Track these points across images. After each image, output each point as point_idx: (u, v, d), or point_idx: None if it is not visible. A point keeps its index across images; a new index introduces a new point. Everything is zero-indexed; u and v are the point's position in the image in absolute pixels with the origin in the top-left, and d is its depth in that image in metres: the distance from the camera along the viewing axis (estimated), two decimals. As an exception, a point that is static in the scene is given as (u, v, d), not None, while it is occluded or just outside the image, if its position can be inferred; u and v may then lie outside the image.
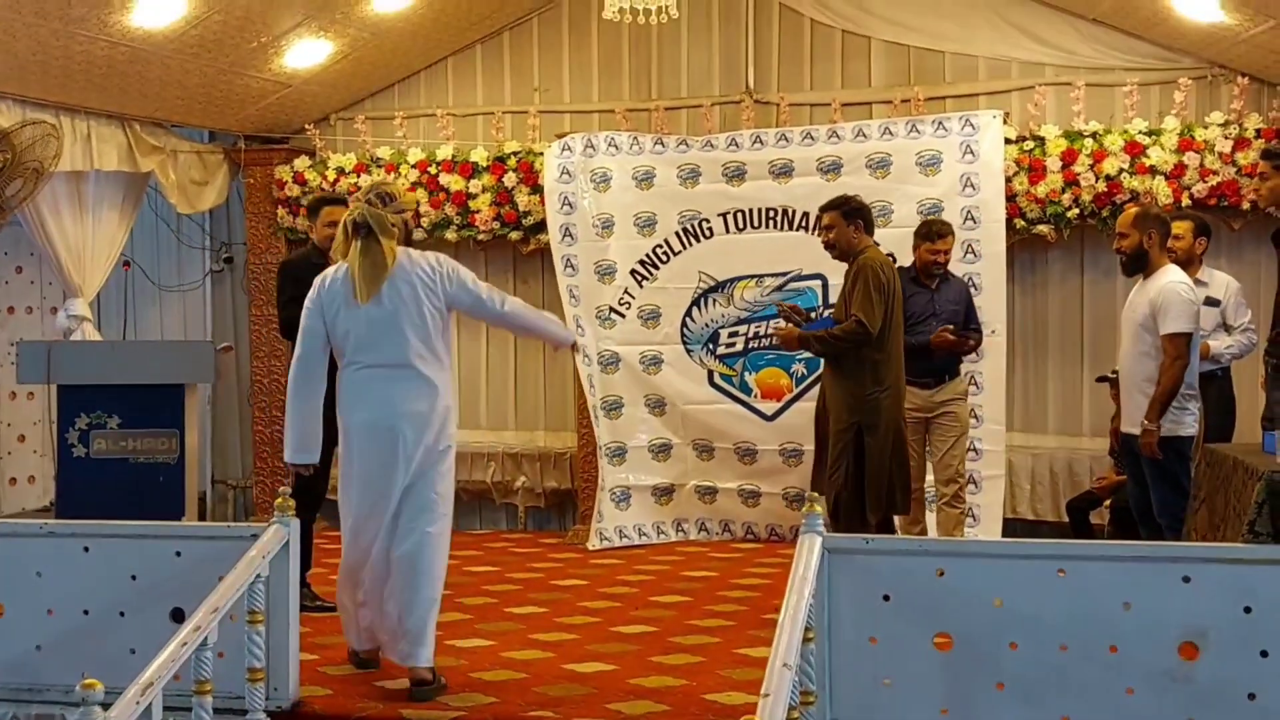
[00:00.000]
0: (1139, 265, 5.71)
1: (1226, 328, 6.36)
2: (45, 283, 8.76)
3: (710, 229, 7.76)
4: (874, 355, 5.77)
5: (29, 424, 8.74)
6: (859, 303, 5.73)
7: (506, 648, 5.40)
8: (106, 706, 3.60)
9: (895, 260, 6.49)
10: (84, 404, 5.40)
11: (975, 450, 7.11)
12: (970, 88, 7.80)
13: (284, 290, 5.96)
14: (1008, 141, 7.40)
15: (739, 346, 7.80)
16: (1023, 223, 7.45)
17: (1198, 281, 6.31)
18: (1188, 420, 5.57)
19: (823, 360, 6.17)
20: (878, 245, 6.01)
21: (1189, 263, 6.31)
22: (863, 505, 5.76)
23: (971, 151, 7.34)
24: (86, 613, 4.72)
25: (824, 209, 6.06)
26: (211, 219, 9.04)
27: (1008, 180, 7.36)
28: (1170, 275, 5.61)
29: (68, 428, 5.42)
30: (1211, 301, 6.34)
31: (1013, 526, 7.51)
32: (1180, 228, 6.35)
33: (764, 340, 7.74)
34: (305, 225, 7.59)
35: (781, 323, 6.31)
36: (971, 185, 7.31)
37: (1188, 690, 3.87)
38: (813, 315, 6.49)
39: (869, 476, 5.75)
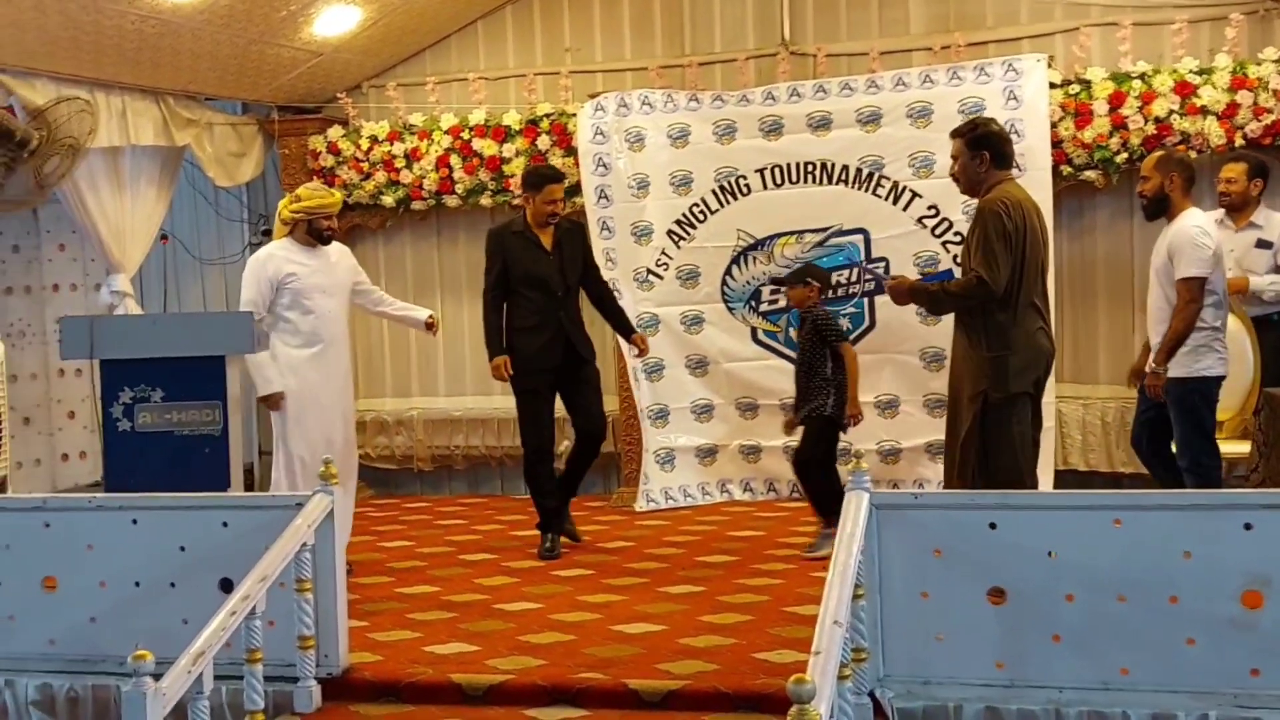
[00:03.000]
0: (1160, 209, 5.71)
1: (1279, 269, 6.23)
2: (88, 260, 8.80)
3: (748, 186, 7.66)
4: (998, 313, 5.06)
5: (78, 400, 8.82)
6: (978, 254, 5.03)
7: (554, 610, 5.38)
8: (159, 677, 3.62)
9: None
10: (127, 378, 5.38)
11: None
12: (1013, 31, 7.63)
13: (488, 259, 6.65)
14: (1052, 86, 7.24)
15: (782, 303, 7.70)
16: (1069, 169, 7.30)
17: (1251, 224, 6.19)
18: (1210, 361, 5.56)
19: (951, 319, 5.41)
20: (1014, 180, 5.30)
21: (1244, 206, 6.20)
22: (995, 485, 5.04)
23: (1015, 97, 7.19)
24: (137, 584, 4.75)
25: (951, 135, 5.38)
26: (249, 191, 9.04)
27: (1053, 126, 7.20)
28: (1189, 219, 5.60)
29: (112, 402, 5.41)
30: (1264, 244, 6.21)
31: (1064, 478, 7.41)
32: (1234, 170, 6.23)
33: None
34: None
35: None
36: (1016, 132, 7.12)
37: (1251, 639, 3.79)
38: (927, 270, 6.37)
39: (997, 459, 5.08)
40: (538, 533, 6.64)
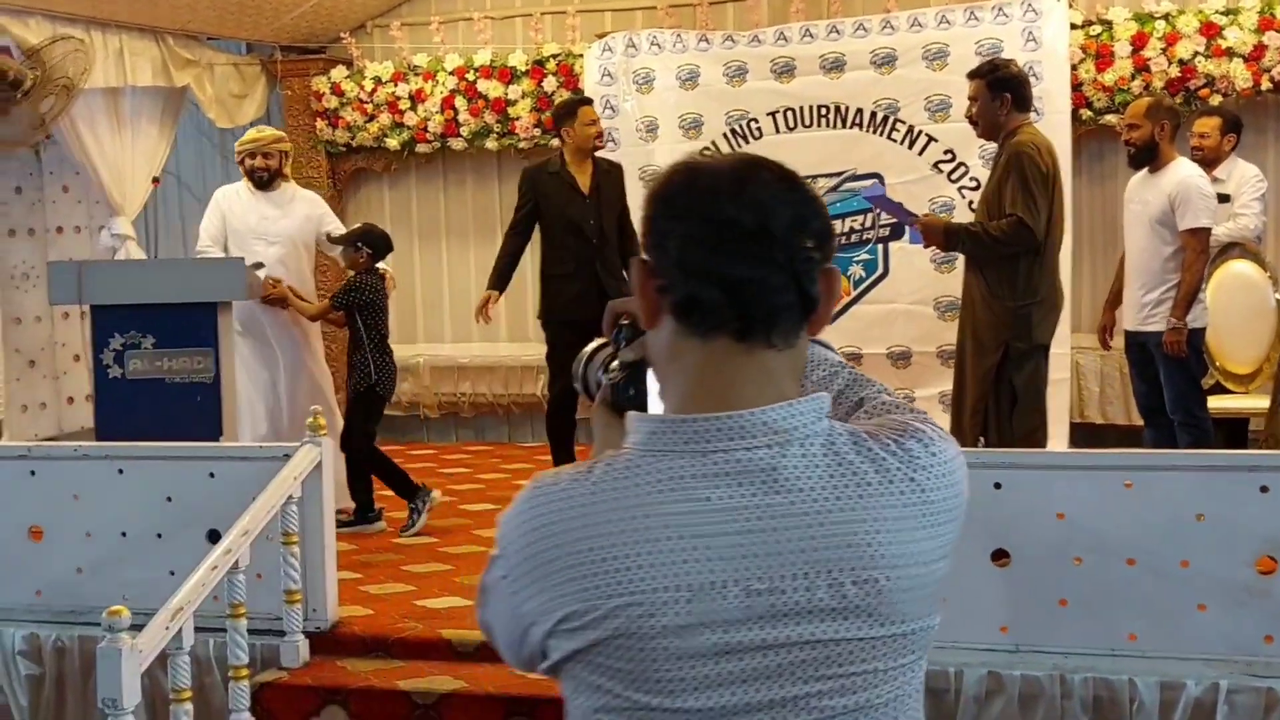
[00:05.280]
0: (1148, 157, 5.55)
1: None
2: (92, 201, 8.68)
3: (760, 129, 7.46)
4: (1027, 260, 4.89)
5: (82, 344, 8.73)
6: (1017, 199, 4.82)
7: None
8: (141, 628, 3.53)
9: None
10: (118, 324, 5.27)
11: None
12: (1035, -29, 7.37)
13: (519, 197, 6.27)
14: (1073, 27, 7.00)
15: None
16: (1089, 113, 7.08)
17: (1215, 179, 6.10)
18: (1197, 312, 5.44)
19: (963, 264, 5.26)
20: (1033, 124, 5.15)
21: (1215, 161, 6.13)
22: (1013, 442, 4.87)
23: (1034, 39, 6.96)
24: (124, 535, 4.66)
25: (969, 76, 5.20)
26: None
27: (1073, 68, 6.97)
28: (1185, 169, 5.49)
29: (103, 348, 5.30)
30: (1223, 198, 6.10)
31: (1079, 431, 7.25)
32: (1207, 125, 6.15)
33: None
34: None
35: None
36: (1034, 74, 6.87)
37: (1265, 605, 3.66)
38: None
39: (1019, 410, 4.91)
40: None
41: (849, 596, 1.29)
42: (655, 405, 1.45)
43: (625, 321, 1.59)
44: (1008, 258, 4.93)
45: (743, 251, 1.32)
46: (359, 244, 5.90)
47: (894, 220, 7.02)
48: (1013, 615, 3.87)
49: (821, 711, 1.30)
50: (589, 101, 6.39)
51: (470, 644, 4.33)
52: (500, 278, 6.35)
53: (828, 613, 1.29)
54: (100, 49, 7.22)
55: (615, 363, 1.55)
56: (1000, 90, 5.04)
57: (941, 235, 5.20)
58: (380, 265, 6.00)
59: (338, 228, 6.20)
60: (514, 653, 1.41)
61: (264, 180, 6.00)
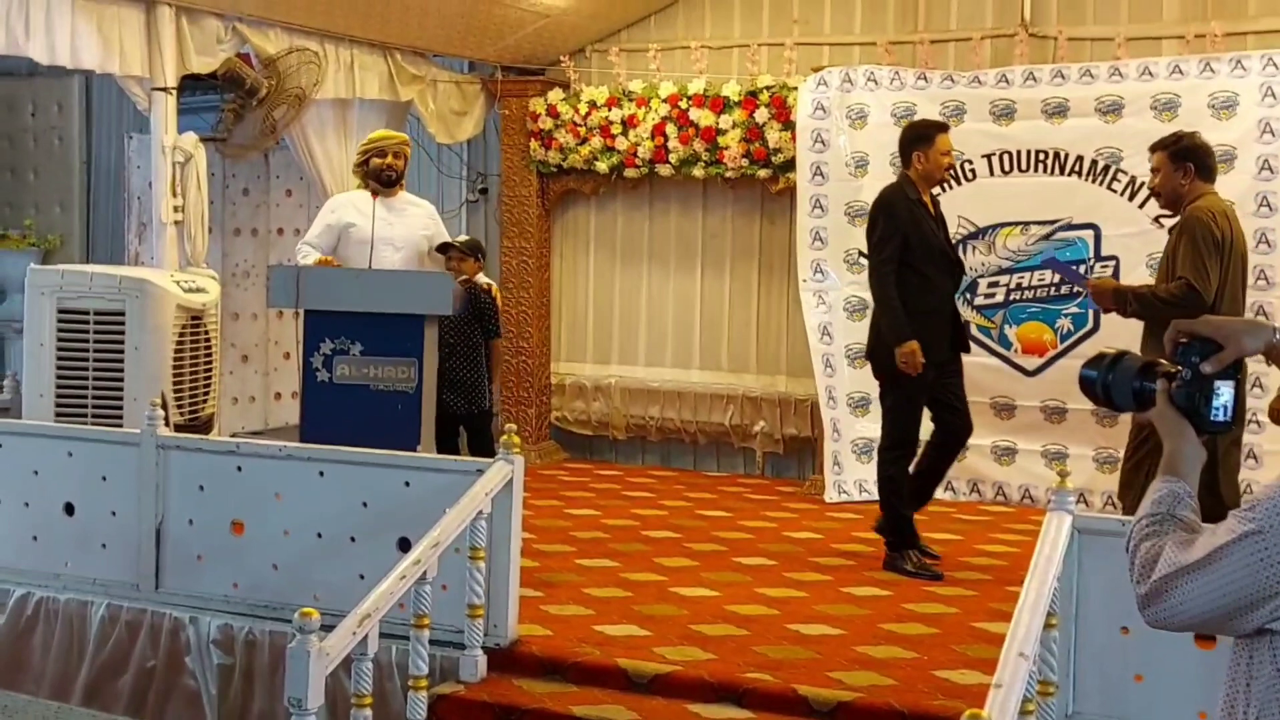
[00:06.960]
0: None
1: None
2: (313, 206, 9.02)
3: (973, 170, 7.30)
4: None
5: (294, 342, 9.08)
6: (1187, 262, 4.84)
7: (730, 600, 5.24)
8: (331, 629, 3.63)
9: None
10: (329, 329, 5.44)
11: (1261, 386, 6.43)
12: (1276, 23, 7.02)
13: (878, 227, 5.71)
14: (1317, 82, 6.65)
15: (999, 298, 7.34)
16: (1330, 173, 6.70)
17: None
18: None
19: (1143, 326, 5.09)
20: (1215, 193, 5.09)
21: None
22: None
23: (1273, 94, 6.63)
24: (319, 536, 4.81)
25: (1151, 148, 5.21)
26: (469, 149, 9.13)
27: (1315, 126, 6.62)
28: None
29: (313, 352, 5.49)
30: None
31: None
32: None
33: (1027, 292, 7.26)
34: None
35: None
36: (1270, 131, 6.61)
37: None
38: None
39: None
40: (722, 514, 6.49)
41: None
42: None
43: (1185, 340, 1.98)
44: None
45: None
46: (479, 255, 6.10)
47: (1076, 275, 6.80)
48: (1214, 699, 3.64)
49: None
50: (946, 128, 5.94)
51: (645, 675, 4.32)
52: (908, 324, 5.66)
53: None
54: (332, 61, 7.52)
55: (1177, 373, 1.97)
56: (1183, 160, 5.01)
57: (1111, 297, 5.17)
58: (482, 277, 6.22)
59: (436, 233, 6.20)
60: (1225, 614, 1.76)
61: (391, 180, 6.00)
